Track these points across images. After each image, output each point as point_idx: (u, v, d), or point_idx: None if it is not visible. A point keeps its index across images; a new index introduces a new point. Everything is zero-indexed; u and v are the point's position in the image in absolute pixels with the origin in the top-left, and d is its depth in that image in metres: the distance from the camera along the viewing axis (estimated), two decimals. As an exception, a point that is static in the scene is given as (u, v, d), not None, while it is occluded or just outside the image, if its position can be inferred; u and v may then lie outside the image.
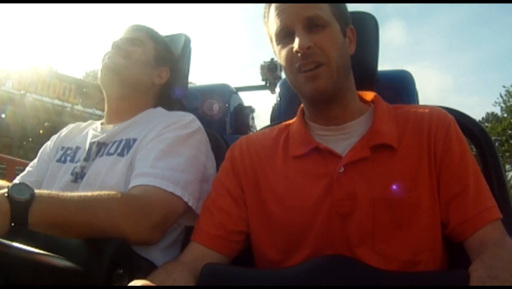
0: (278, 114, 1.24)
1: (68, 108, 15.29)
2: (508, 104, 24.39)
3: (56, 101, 15.28)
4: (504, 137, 25.02)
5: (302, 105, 0.94)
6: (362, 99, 0.93)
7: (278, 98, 1.28)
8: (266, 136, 0.94)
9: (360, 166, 0.80)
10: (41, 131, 15.17)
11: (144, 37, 1.14)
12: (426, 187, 0.79)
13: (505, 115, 24.79)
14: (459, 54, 53.84)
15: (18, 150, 15.24)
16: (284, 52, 0.85)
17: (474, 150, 1.04)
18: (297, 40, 0.81)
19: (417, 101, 1.27)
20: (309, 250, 0.80)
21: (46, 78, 14.93)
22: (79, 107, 15.47)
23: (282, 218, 0.83)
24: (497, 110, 26.22)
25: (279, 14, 0.85)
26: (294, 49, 0.81)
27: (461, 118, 1.00)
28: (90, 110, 15.07)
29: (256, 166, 0.89)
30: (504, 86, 25.33)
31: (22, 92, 14.45)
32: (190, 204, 0.93)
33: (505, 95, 24.44)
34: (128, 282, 0.76)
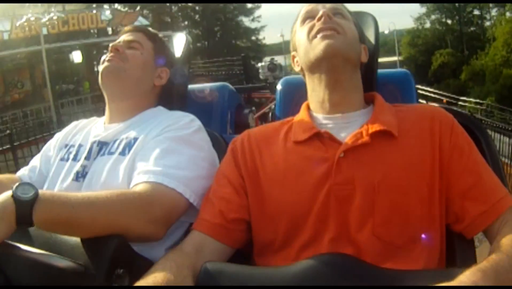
0: (278, 114, 1.24)
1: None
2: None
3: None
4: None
5: (307, 102, 0.97)
6: (364, 99, 0.95)
7: (278, 98, 1.28)
8: (268, 128, 0.97)
9: (360, 151, 0.82)
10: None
11: (142, 38, 1.14)
12: (425, 178, 0.81)
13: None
14: None
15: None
16: (305, 27, 0.92)
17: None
18: (320, 11, 0.90)
19: (417, 102, 1.28)
20: (309, 234, 0.81)
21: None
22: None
23: (281, 201, 0.84)
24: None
25: (308, 5, 0.96)
26: (316, 17, 0.89)
27: (460, 118, 1.00)
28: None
29: (256, 156, 0.91)
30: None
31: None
32: (191, 200, 0.93)
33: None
34: (128, 282, 0.76)
